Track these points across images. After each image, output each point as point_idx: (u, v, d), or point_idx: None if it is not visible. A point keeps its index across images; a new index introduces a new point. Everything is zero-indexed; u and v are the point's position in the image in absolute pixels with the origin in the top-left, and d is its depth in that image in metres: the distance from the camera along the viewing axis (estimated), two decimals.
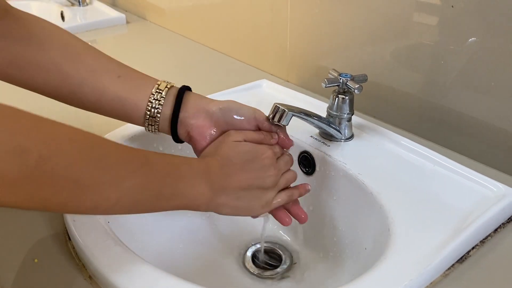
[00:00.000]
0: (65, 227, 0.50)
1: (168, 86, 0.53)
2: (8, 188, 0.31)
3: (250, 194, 0.49)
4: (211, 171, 0.47)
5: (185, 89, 0.54)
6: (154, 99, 0.52)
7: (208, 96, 0.76)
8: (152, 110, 0.52)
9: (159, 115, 0.52)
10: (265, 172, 0.49)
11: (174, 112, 0.52)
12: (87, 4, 1.39)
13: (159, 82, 0.54)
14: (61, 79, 0.51)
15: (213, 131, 0.53)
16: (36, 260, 0.48)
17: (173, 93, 0.53)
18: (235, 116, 0.53)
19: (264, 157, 0.50)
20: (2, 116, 0.31)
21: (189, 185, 0.45)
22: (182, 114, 0.52)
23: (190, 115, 0.52)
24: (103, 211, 0.40)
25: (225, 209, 0.48)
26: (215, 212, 0.48)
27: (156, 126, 0.53)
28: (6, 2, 0.50)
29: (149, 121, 0.53)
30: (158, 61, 1.04)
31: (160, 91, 0.52)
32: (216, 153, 0.49)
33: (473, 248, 0.48)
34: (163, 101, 0.52)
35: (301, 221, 0.55)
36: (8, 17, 0.50)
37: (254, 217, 0.52)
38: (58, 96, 0.52)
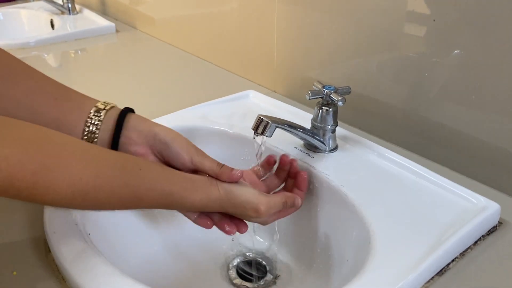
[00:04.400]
0: (45, 239, 0.50)
1: (107, 108, 0.50)
2: None
3: None
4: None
5: (126, 112, 0.51)
6: (91, 123, 0.49)
7: (196, 106, 0.76)
8: (89, 135, 0.49)
9: (96, 140, 0.50)
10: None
11: (114, 139, 0.50)
12: (77, 13, 1.39)
13: (97, 104, 0.51)
14: None
15: (154, 158, 0.51)
16: (14, 273, 0.47)
17: (113, 117, 0.50)
18: (172, 152, 0.50)
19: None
20: None
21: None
22: (122, 140, 0.50)
23: (131, 142, 0.50)
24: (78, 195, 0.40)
25: None
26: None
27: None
28: None
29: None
30: (147, 70, 1.04)
31: (98, 115, 0.50)
32: (222, 208, 0.49)
33: (453, 260, 0.48)
34: (100, 125, 0.49)
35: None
36: None
37: None
38: None
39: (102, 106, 0.51)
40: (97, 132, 0.49)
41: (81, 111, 0.50)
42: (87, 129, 0.49)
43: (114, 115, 0.50)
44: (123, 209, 0.46)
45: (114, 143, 0.50)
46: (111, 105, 0.52)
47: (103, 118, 0.50)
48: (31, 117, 0.49)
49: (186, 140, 0.51)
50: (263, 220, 0.51)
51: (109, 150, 0.46)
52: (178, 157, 0.50)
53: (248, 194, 0.48)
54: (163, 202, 0.46)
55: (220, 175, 0.48)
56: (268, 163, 0.58)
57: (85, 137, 0.50)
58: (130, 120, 0.51)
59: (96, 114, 0.50)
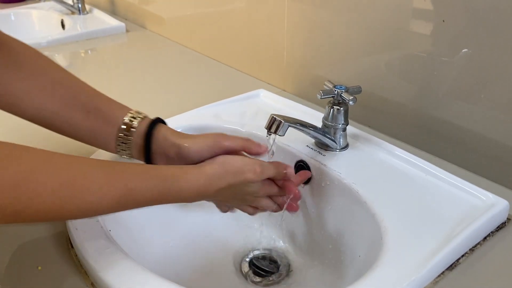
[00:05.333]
0: (68, 235, 0.52)
1: (134, 126, 0.54)
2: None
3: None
4: (201, 193, 0.49)
5: (153, 127, 0.54)
6: (121, 143, 0.54)
7: (208, 105, 0.78)
8: (121, 151, 0.55)
9: (130, 154, 0.55)
10: (241, 205, 0.56)
11: (145, 154, 0.54)
12: (87, 13, 1.40)
13: (125, 119, 0.54)
14: (34, 109, 0.52)
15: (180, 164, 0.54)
16: (39, 268, 0.49)
17: (141, 133, 0.53)
18: (192, 159, 0.53)
19: (249, 197, 0.54)
20: None
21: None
22: (152, 155, 0.54)
23: (159, 156, 0.54)
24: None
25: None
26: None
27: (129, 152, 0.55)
28: None
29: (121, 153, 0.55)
30: (157, 70, 1.06)
31: (126, 135, 0.54)
32: (222, 181, 0.49)
33: (462, 255, 0.50)
34: (130, 145, 0.54)
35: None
36: None
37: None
38: (37, 123, 0.54)
39: (129, 125, 0.54)
40: (127, 150, 0.55)
41: (111, 128, 0.54)
42: (118, 148, 0.55)
43: (142, 130, 0.54)
44: (122, 209, 0.44)
45: (146, 158, 0.54)
46: (140, 118, 0.54)
47: (132, 139, 0.54)
48: (66, 128, 0.53)
49: (207, 147, 0.52)
50: (256, 188, 0.53)
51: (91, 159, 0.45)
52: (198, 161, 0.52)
53: (243, 160, 0.51)
54: (159, 190, 0.45)
55: (248, 146, 0.54)
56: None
57: (119, 152, 0.55)
58: (158, 136, 0.54)
59: (125, 135, 0.54)
